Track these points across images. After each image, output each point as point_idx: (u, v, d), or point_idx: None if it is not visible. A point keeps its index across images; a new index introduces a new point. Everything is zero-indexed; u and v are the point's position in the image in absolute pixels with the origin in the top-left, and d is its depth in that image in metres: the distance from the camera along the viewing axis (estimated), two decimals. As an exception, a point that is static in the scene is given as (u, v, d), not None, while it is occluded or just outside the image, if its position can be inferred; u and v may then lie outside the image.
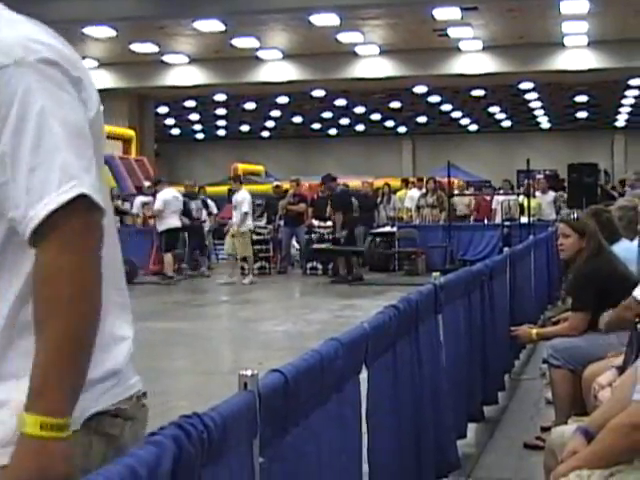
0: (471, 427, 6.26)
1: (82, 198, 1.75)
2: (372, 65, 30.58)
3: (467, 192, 25.60)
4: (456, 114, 48.18)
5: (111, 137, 27.88)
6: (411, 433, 4.24)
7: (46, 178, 1.75)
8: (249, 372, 2.29)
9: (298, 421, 2.63)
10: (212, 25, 25.50)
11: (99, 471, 1.66)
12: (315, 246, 20.38)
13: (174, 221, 18.54)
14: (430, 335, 4.84)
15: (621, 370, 4.30)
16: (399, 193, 24.54)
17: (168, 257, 18.57)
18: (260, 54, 30.23)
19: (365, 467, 3.49)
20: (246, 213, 18.52)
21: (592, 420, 3.53)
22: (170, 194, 18.72)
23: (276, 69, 31.20)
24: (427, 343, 4.68)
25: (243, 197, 18.65)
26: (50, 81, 1.81)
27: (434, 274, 5.36)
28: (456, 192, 23.07)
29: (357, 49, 29.58)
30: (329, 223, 20.69)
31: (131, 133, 31.95)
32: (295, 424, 2.60)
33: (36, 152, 1.76)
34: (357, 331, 3.46)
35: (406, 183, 25.47)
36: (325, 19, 24.80)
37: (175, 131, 53.62)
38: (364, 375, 3.53)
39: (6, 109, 1.78)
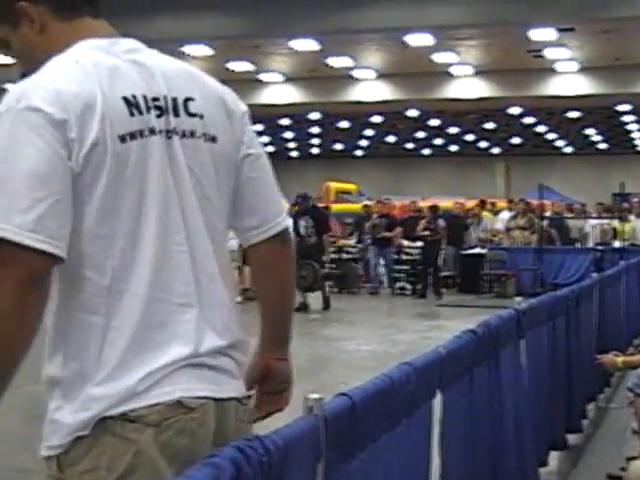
0: (554, 455, 6.16)
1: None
2: (466, 85, 30.42)
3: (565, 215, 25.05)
4: (551, 135, 47.60)
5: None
6: (487, 459, 4.18)
7: None
8: (315, 395, 2.29)
9: (365, 445, 2.61)
10: (307, 44, 25.65)
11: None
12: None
13: None
14: (511, 360, 4.77)
15: None
16: (488, 214, 24.16)
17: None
18: (354, 73, 30.30)
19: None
20: None
21: (672, 454, 3.43)
22: None
23: (370, 88, 31.22)
24: (508, 368, 4.60)
25: None
26: (25, 125, 1.94)
27: (517, 299, 5.31)
28: (547, 214, 22.71)
29: (451, 69, 29.47)
30: (418, 243, 20.61)
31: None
32: (362, 448, 2.58)
33: None
34: (431, 355, 3.42)
35: (482, 205, 24.51)
36: (420, 39, 24.70)
37: (269, 149, 54.06)
38: (438, 399, 3.50)
39: None
